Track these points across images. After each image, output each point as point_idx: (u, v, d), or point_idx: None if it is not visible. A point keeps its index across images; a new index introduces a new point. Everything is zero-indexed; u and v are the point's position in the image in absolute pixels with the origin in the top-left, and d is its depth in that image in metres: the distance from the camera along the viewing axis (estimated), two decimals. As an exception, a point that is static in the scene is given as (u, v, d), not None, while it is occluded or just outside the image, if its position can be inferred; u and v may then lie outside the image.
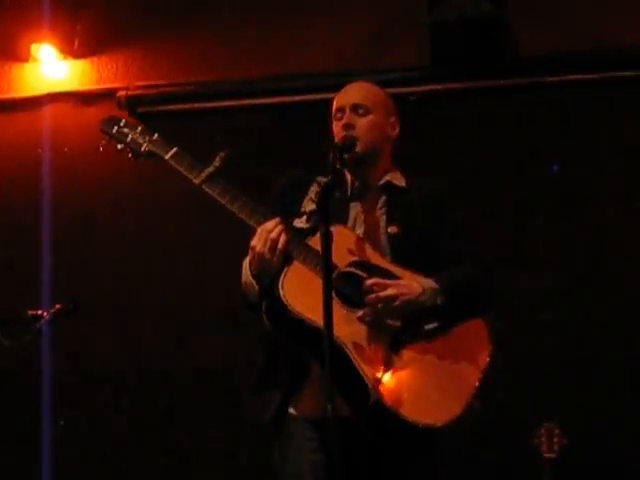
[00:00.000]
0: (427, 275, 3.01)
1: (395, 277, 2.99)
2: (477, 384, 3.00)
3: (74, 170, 5.37)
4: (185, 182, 5.12)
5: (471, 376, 3.01)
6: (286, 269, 2.94)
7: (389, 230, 3.13)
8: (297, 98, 5.26)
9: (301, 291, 2.89)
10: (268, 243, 2.94)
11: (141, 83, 5.37)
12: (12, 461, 5.10)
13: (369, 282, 2.94)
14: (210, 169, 3.10)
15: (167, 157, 3.18)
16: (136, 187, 5.31)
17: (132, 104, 5.33)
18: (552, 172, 5.01)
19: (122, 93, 5.34)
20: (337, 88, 3.33)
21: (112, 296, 5.26)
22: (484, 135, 5.08)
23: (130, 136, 3.27)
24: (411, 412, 2.86)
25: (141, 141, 3.25)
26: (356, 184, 3.22)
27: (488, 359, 3.04)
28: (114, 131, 3.31)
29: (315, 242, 2.90)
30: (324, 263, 2.68)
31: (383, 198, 3.21)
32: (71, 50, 5.43)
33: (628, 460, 4.66)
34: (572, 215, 4.97)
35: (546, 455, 4.15)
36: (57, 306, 4.01)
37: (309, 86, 5.22)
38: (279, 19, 5.31)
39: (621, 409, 4.72)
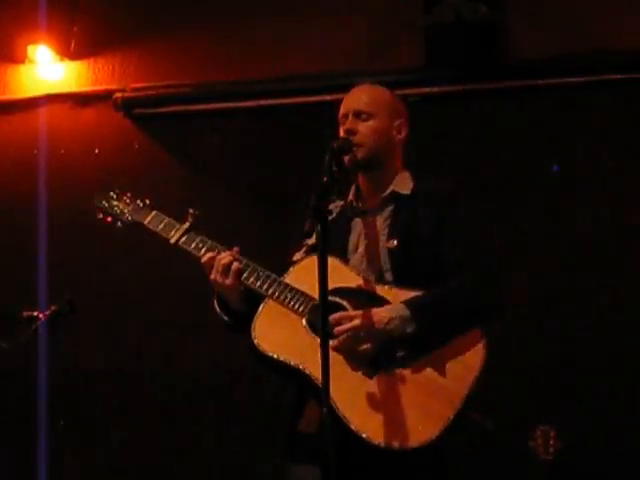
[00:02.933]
0: (421, 288, 3.02)
1: (374, 297, 3.02)
2: (465, 397, 2.96)
3: (70, 171, 5.37)
4: (185, 182, 5.19)
5: (457, 391, 2.97)
6: (259, 311, 3.09)
7: (389, 244, 3.12)
8: (294, 100, 5.26)
9: (273, 329, 3.04)
10: (220, 268, 3.17)
11: (137, 85, 5.37)
12: (8, 462, 5.10)
13: (335, 316, 2.96)
14: (184, 226, 3.39)
15: (145, 223, 3.45)
16: (133, 188, 5.29)
17: (128, 106, 5.34)
18: (552, 172, 5.01)
19: (118, 95, 5.35)
20: (334, 90, 3.35)
21: (108, 297, 5.26)
22: (480, 138, 5.08)
23: (116, 208, 3.59)
24: (382, 438, 2.87)
25: (125, 211, 3.55)
26: (359, 202, 3.25)
27: (479, 369, 2.99)
28: (104, 204, 3.64)
29: (296, 276, 3.08)
30: (320, 271, 2.68)
31: (389, 209, 3.21)
32: (67, 52, 5.43)
33: (624, 463, 4.65)
34: (571, 216, 4.97)
35: (542, 458, 4.16)
36: (53, 307, 4.01)
37: (306, 88, 5.22)
38: (276, 21, 5.31)
39: (617, 412, 4.72)
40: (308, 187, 3.00)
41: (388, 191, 3.22)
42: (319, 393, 2.77)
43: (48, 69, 5.43)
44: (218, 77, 5.34)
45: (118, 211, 3.56)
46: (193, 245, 3.32)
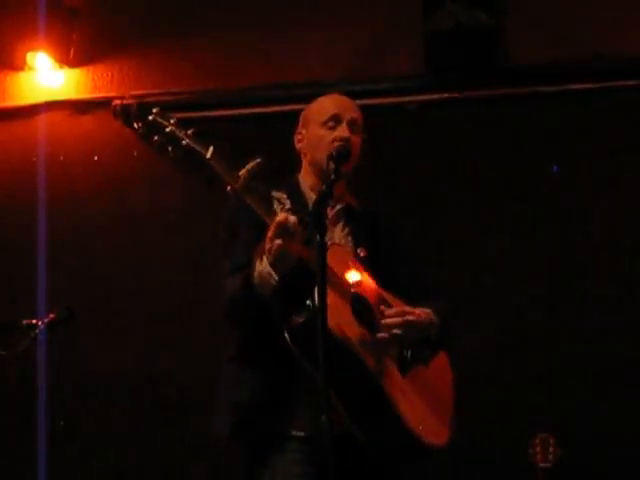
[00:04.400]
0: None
1: (384, 299, 3.03)
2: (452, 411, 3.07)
3: (70, 179, 5.37)
4: (184, 189, 5.18)
5: (448, 400, 3.09)
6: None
7: (359, 252, 3.11)
8: (294, 107, 5.25)
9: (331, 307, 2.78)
10: (291, 228, 2.79)
11: (137, 92, 5.36)
12: (8, 467, 5.09)
13: (392, 311, 2.96)
14: (244, 174, 2.92)
15: (208, 156, 2.94)
16: (132, 196, 5.31)
17: (128, 113, 5.33)
18: (552, 173, 5.01)
19: (118, 102, 5.35)
20: (333, 97, 3.34)
21: (108, 305, 5.26)
22: (479, 144, 5.08)
23: (168, 128, 2.97)
24: (425, 434, 2.92)
25: (180, 135, 2.96)
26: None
27: (454, 386, 3.12)
28: (150, 119, 2.99)
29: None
30: (319, 274, 2.66)
31: (342, 221, 3.20)
32: (67, 59, 5.42)
33: (623, 470, 4.65)
34: (570, 221, 4.98)
35: (541, 465, 4.15)
36: (52, 315, 4.01)
37: (305, 95, 5.20)
38: (275, 28, 5.31)
39: (617, 418, 4.72)
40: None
41: (343, 203, 3.21)
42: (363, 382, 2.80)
43: (47, 76, 5.43)
44: (217, 84, 5.34)
45: (170, 131, 2.95)
46: (254, 198, 2.88)
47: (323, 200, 2.76)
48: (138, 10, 5.46)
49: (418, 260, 3.29)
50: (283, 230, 2.78)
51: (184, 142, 2.96)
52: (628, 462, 4.66)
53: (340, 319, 2.82)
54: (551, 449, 4.15)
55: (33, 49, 5.38)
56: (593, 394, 4.74)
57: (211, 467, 5.05)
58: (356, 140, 3.17)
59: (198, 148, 2.95)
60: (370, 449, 2.88)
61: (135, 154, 5.35)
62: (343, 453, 2.68)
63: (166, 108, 5.26)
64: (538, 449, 4.16)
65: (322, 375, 2.59)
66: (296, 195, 3.14)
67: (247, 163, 2.94)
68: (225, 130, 5.25)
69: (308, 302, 2.79)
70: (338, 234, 3.17)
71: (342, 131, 3.15)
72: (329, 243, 2.75)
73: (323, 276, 2.66)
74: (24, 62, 5.41)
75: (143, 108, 3.09)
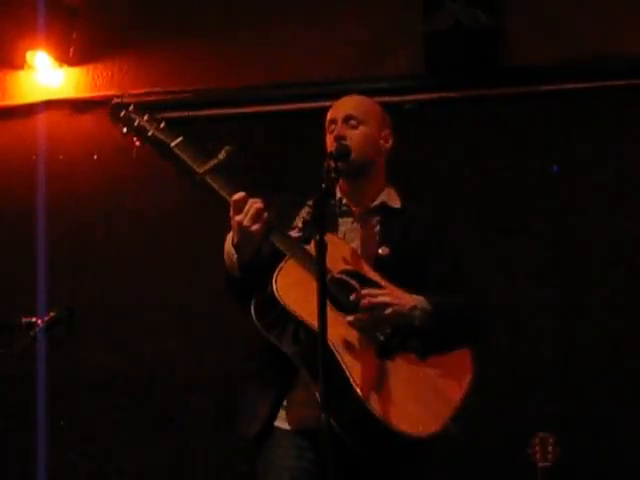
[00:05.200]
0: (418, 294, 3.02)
1: (379, 287, 2.99)
2: (458, 405, 2.99)
3: (69, 177, 5.37)
4: (184, 188, 5.18)
5: (453, 397, 3.00)
6: (280, 265, 2.94)
7: (380, 251, 3.11)
8: (292, 106, 5.26)
9: (294, 288, 2.89)
10: (252, 212, 2.91)
11: (136, 91, 5.36)
12: (8, 468, 5.09)
13: (365, 291, 2.94)
14: (214, 161, 3.04)
15: (172, 145, 3.11)
16: (132, 194, 5.31)
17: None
18: (552, 173, 5.01)
19: (116, 101, 5.33)
20: (332, 96, 3.33)
21: (108, 303, 5.26)
22: (479, 145, 5.08)
23: (137, 121, 3.20)
24: (396, 421, 2.84)
25: (148, 127, 3.17)
26: (344, 201, 3.21)
27: (468, 386, 3.04)
28: (121, 115, 3.24)
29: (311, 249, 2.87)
30: (319, 271, 2.67)
31: (377, 219, 3.20)
32: (66, 58, 5.42)
33: (623, 469, 4.65)
34: (571, 221, 4.98)
35: (540, 464, 4.15)
36: (51, 313, 4.01)
37: (304, 94, 5.23)
38: (274, 27, 5.31)
39: (616, 418, 4.72)
40: (306, 192, 3.02)
41: (378, 201, 3.22)
42: (331, 368, 2.76)
43: (47, 75, 5.43)
44: (217, 83, 5.34)
45: (138, 124, 3.20)
46: (221, 183, 3.01)
47: (323, 199, 2.77)
48: (138, 9, 5.47)
49: (455, 262, 3.23)
50: (238, 207, 2.91)
51: (149, 133, 3.15)
52: (628, 462, 4.66)
53: (302, 300, 2.83)
54: (550, 448, 4.15)
55: (33, 48, 5.38)
56: (593, 393, 4.75)
57: (212, 466, 5.06)
58: (354, 133, 3.18)
59: (163, 137, 3.13)
60: (344, 435, 2.83)
61: (134, 153, 5.34)
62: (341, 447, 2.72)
63: (165, 107, 5.35)
64: (537, 448, 4.16)
65: (322, 375, 2.60)
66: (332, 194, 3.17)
67: (219, 151, 3.07)
68: (225, 129, 5.26)
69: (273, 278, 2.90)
70: (368, 230, 3.17)
71: (336, 131, 3.18)
72: (328, 237, 2.75)
73: (323, 277, 2.67)
74: (24, 61, 5.42)
75: (119, 107, 3.22)
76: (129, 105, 3.26)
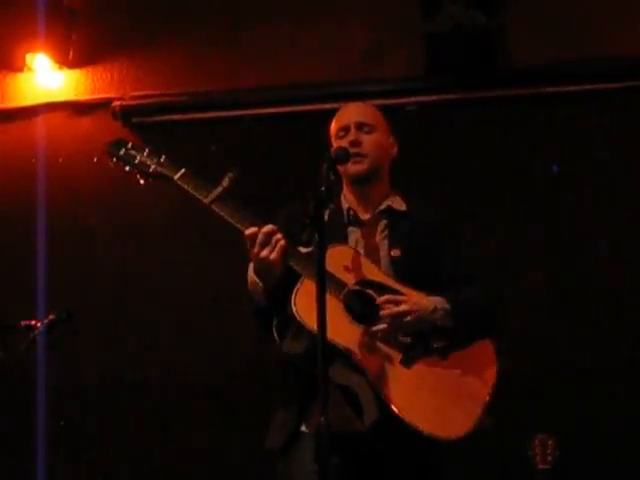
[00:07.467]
0: (434, 294, 3.06)
1: (396, 293, 3.03)
2: (487, 399, 3.05)
3: (69, 180, 5.37)
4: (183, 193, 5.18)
5: (480, 392, 3.05)
6: (298, 286, 2.98)
7: (392, 253, 3.16)
8: (294, 108, 5.26)
9: (313, 308, 2.85)
10: (267, 242, 2.97)
11: (136, 93, 5.37)
12: (6, 471, 5.09)
13: (382, 298, 2.98)
14: (219, 190, 3.10)
15: (176, 178, 3.16)
16: (132, 197, 5.30)
17: (127, 114, 5.33)
18: (552, 173, 5.01)
19: (117, 103, 5.35)
20: (332, 98, 3.35)
21: (107, 306, 5.26)
22: (479, 146, 5.08)
23: (138, 158, 3.23)
24: (428, 426, 2.90)
25: (149, 163, 3.21)
26: (351, 212, 3.25)
27: (495, 376, 3.09)
28: (121, 153, 3.25)
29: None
30: (318, 273, 2.69)
31: (384, 222, 3.24)
32: (66, 60, 5.42)
33: (622, 471, 4.65)
34: (571, 222, 4.98)
35: (540, 467, 4.15)
36: (51, 316, 4.01)
37: (305, 96, 5.22)
38: (275, 29, 5.31)
39: (615, 420, 4.72)
40: (307, 195, 3.02)
41: (384, 206, 3.27)
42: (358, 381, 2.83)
43: (46, 77, 5.43)
44: (217, 86, 5.34)
45: (139, 162, 3.22)
46: (228, 211, 3.08)
47: (321, 202, 2.78)
48: (137, 11, 5.46)
49: (463, 258, 3.26)
50: (252, 241, 2.98)
51: (151, 169, 3.20)
52: (626, 464, 4.65)
53: (331, 324, 2.81)
54: (550, 450, 4.14)
55: (32, 50, 5.38)
56: (592, 396, 4.74)
57: (212, 466, 5.06)
58: (368, 139, 3.24)
59: (165, 172, 3.19)
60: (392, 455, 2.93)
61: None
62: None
63: (165, 109, 5.36)
64: (537, 450, 4.16)
65: (321, 377, 2.63)
66: (338, 205, 3.26)
67: (226, 174, 3.14)
68: (224, 131, 5.26)
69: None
70: (377, 234, 3.22)
71: (349, 136, 3.23)
72: (332, 247, 2.83)
73: (322, 278, 2.68)
74: (23, 63, 5.41)
75: (118, 144, 3.26)
76: (127, 142, 3.28)
